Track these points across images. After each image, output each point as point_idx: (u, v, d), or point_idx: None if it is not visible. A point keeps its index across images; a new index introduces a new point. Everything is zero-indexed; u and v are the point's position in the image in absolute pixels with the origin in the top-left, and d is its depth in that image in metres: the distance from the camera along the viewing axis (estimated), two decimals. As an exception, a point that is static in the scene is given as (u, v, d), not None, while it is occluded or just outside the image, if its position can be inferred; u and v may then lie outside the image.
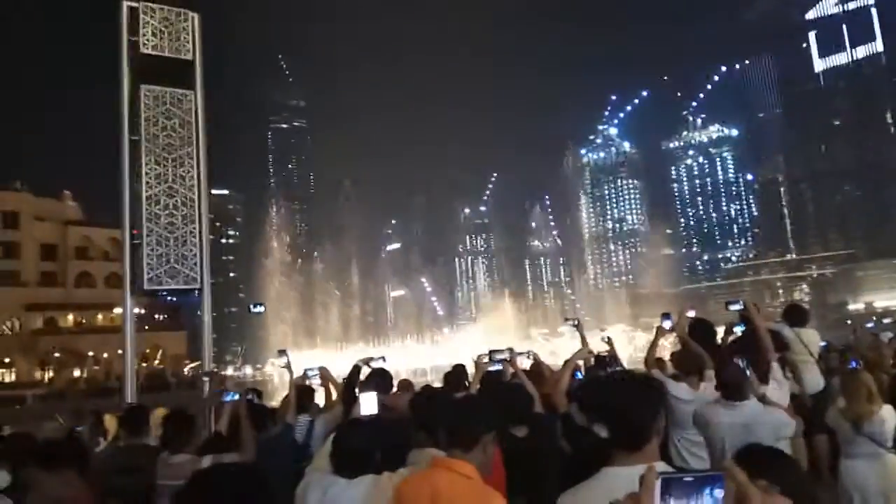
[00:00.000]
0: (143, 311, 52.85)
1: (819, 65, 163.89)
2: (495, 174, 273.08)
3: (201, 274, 14.96)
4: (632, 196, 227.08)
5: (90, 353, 55.59)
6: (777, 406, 4.53)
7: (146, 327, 55.51)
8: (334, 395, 6.33)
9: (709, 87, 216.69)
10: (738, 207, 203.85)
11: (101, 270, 59.85)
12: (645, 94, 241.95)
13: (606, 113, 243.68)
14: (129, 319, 15.14)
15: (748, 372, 4.54)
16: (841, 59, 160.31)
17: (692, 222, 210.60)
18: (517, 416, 4.33)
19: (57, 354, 54.99)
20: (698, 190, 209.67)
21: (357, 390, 6.22)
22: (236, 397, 5.58)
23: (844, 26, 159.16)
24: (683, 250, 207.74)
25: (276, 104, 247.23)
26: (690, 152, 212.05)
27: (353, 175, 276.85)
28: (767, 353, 5.24)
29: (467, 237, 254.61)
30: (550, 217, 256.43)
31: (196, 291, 15.38)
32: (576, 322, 8.39)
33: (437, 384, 7.31)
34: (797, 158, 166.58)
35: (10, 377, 54.17)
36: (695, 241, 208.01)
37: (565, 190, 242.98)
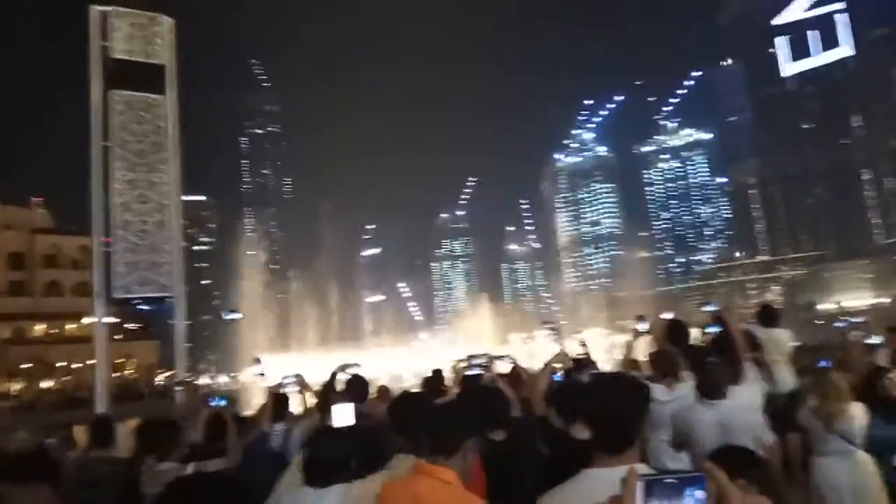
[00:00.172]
0: (113, 320, 51.90)
1: (787, 70, 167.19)
2: (473, 179, 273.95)
3: (174, 282, 14.76)
4: (607, 200, 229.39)
5: (60, 364, 54.45)
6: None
7: (117, 336, 54.56)
8: (310, 403, 6.28)
9: (682, 91, 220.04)
10: (711, 210, 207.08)
11: (71, 279, 58.74)
12: (619, 99, 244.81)
13: (581, 118, 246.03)
14: (99, 329, 14.88)
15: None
16: (808, 63, 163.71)
17: (666, 225, 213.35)
18: (495, 420, 4.34)
19: (26, 366, 53.77)
20: (672, 193, 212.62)
21: (331, 398, 6.19)
22: (223, 402, 5.53)
23: (812, 32, 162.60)
24: (658, 253, 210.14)
25: (250, 109, 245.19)
26: (664, 156, 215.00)
27: (329, 179, 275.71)
28: (740, 353, 5.32)
29: (445, 242, 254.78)
30: (528, 221, 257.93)
31: (168, 299, 15.19)
32: (554, 326, 8.43)
33: (416, 389, 7.30)
34: (768, 161, 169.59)
35: (-21, 389, 52.81)
36: (669, 243, 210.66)
37: (542, 194, 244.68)
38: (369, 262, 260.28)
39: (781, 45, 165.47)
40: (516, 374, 6.85)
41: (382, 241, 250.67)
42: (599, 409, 2.17)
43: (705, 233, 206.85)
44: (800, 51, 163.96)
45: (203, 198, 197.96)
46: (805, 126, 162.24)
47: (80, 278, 55.33)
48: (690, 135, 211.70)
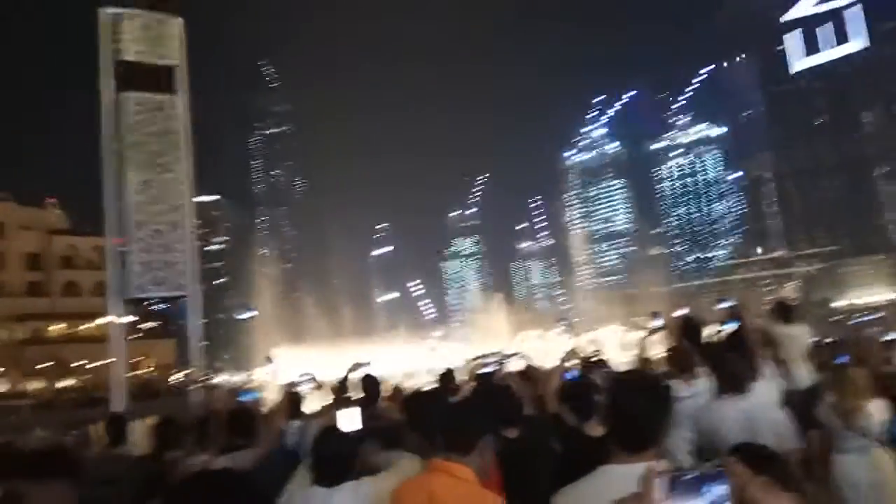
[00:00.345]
0: (131, 319, 52.43)
1: (797, 65, 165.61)
2: (483, 176, 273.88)
3: (189, 281, 14.86)
4: (620, 196, 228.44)
5: (78, 363, 55.08)
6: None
7: (134, 335, 55.09)
8: (324, 402, 6.30)
9: (694, 86, 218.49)
10: (725, 206, 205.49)
11: (87, 279, 59.37)
12: (630, 95, 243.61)
13: (592, 114, 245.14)
14: (116, 329, 15.00)
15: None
16: (817, 59, 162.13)
17: (680, 221, 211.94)
18: (508, 417, 4.33)
19: (45, 365, 54.44)
20: (685, 189, 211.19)
21: (343, 398, 6.21)
22: (255, 396, 5.66)
23: (822, 27, 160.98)
24: (672, 249, 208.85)
25: (260, 109, 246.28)
26: (677, 152, 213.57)
27: (340, 179, 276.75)
28: (757, 349, 5.27)
29: (456, 240, 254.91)
30: (540, 219, 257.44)
31: (183, 299, 15.30)
32: (567, 323, 8.40)
33: (428, 388, 7.31)
34: (782, 156, 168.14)
35: (1, 388, 53.55)
36: (683, 240, 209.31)
37: (554, 191, 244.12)
38: (380, 260, 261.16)
39: (791, 40, 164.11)
40: (530, 372, 6.84)
41: (394, 241, 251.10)
42: (620, 408, 2.14)
43: (719, 229, 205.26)
44: (811, 46, 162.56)
45: (215, 197, 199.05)
46: (818, 121, 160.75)
47: (96, 278, 55.89)
48: (703, 130, 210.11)
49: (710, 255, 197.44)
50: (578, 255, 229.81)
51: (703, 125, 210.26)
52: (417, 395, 5.63)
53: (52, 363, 54.76)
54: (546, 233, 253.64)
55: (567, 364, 6.16)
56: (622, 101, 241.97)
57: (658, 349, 8.87)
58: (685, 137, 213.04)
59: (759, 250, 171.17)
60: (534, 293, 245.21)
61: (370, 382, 5.76)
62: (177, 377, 57.85)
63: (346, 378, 6.38)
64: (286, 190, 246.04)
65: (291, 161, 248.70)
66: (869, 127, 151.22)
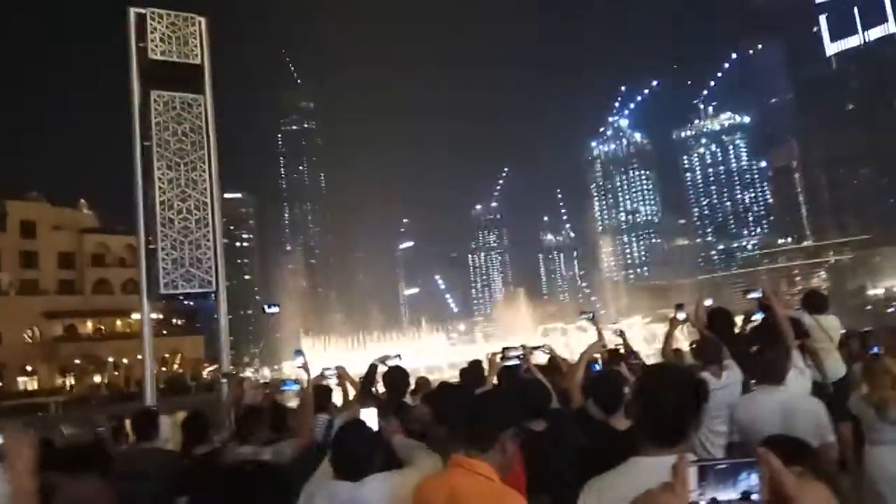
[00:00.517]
0: (160, 316, 53.35)
1: (831, 48, 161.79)
2: (506, 169, 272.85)
3: (216, 277, 15.04)
4: (644, 187, 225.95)
5: (110, 360, 56.20)
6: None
7: (164, 332, 56.04)
8: (351, 395, 6.33)
9: (719, 74, 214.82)
10: (753, 195, 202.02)
11: (118, 277, 60.47)
12: (655, 83, 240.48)
13: (616, 104, 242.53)
14: (146, 325, 15.27)
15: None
16: (853, 41, 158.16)
17: (706, 211, 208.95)
18: (535, 411, 4.31)
19: (77, 361, 55.63)
20: (711, 179, 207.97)
21: (372, 389, 6.23)
22: (296, 387, 5.74)
23: (856, 8, 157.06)
24: (698, 240, 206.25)
25: (285, 106, 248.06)
26: (702, 141, 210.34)
27: (364, 174, 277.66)
28: (787, 340, 5.18)
29: (480, 233, 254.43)
30: (563, 211, 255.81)
31: (211, 294, 15.48)
32: (591, 315, 8.36)
33: (454, 381, 7.31)
34: (811, 144, 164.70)
35: (32, 385, 54.88)
36: (709, 230, 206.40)
37: (577, 183, 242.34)
38: (404, 255, 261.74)
39: (825, 23, 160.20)
40: (555, 365, 6.80)
41: (417, 235, 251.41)
42: (652, 403, 2.10)
43: (748, 218, 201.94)
44: (840, 29, 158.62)
45: (240, 195, 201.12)
46: (849, 107, 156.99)
47: (126, 275, 56.96)
48: (730, 118, 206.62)
49: (737, 244, 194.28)
50: (603, 246, 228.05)
51: (730, 113, 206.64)
52: (443, 387, 5.63)
53: (84, 359, 55.99)
54: (569, 225, 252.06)
55: (593, 356, 6.12)
56: (647, 91, 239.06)
57: (682, 341, 8.77)
58: (712, 125, 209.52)
59: (788, 239, 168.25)
60: (558, 286, 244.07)
61: (398, 375, 5.75)
62: (206, 372, 58.84)
63: (373, 370, 6.40)
64: (311, 186, 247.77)
65: (316, 157, 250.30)
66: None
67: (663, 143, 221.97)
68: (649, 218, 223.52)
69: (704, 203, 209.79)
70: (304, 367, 6.71)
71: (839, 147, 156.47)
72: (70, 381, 55.87)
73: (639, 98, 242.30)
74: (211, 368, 58.41)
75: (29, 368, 55.56)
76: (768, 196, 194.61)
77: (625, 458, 2.19)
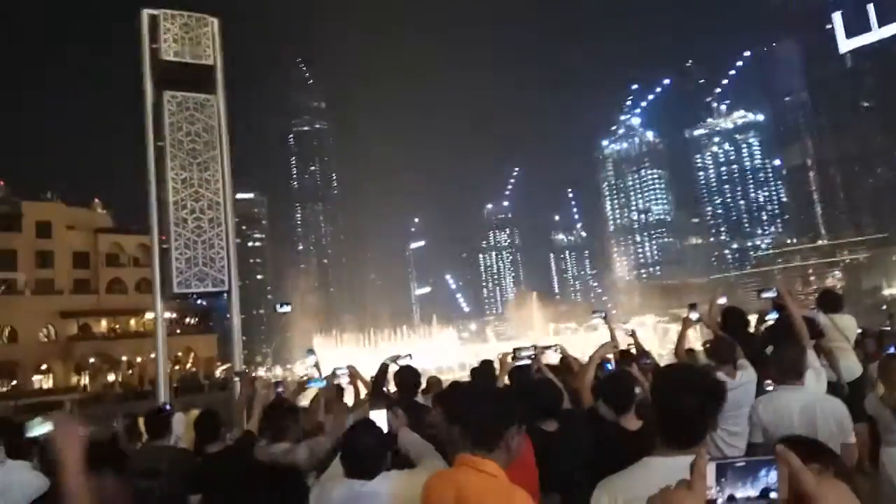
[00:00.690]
0: (173, 316, 53.74)
1: (845, 45, 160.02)
2: (517, 168, 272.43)
3: (229, 276, 15.11)
4: (657, 186, 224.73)
5: (124, 358, 56.68)
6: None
7: (177, 331, 56.44)
8: (363, 394, 6.34)
9: (732, 72, 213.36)
10: (766, 194, 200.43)
11: (132, 276, 60.95)
12: (667, 82, 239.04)
13: (629, 103, 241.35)
14: (160, 323, 15.37)
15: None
16: (867, 38, 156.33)
17: (719, 210, 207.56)
18: (546, 411, 4.30)
19: (92, 360, 56.14)
20: (725, 177, 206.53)
21: (384, 389, 6.24)
22: (323, 384, 5.79)
23: (871, 5, 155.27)
24: (711, 239, 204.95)
25: (297, 106, 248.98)
26: (716, 139, 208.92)
27: (375, 174, 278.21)
28: (802, 340, 5.13)
29: (491, 232, 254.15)
30: (575, 210, 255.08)
31: (224, 294, 15.56)
32: (603, 314, 8.32)
33: (466, 380, 7.30)
34: (825, 142, 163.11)
35: (47, 383, 55.46)
36: (723, 229, 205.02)
37: (589, 182, 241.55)
38: (416, 254, 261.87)
39: (839, 19, 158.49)
40: (567, 364, 6.78)
41: (428, 235, 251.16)
42: (668, 404, 2.08)
43: (761, 217, 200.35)
44: (855, 26, 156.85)
45: (252, 195, 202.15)
46: (864, 104, 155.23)
47: (140, 275, 57.43)
48: (744, 116, 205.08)
49: (751, 244, 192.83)
50: (615, 245, 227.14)
51: (743, 111, 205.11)
52: (454, 387, 5.63)
53: (98, 358, 56.50)
54: (581, 224, 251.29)
55: (604, 355, 6.09)
56: (660, 89, 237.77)
57: (695, 341, 8.71)
58: (725, 124, 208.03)
59: (794, 240, 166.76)
60: (569, 285, 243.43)
61: (408, 374, 5.75)
62: (219, 371, 59.23)
63: (383, 370, 6.40)
64: (323, 186, 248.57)
65: (327, 157, 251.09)
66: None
67: (676, 142, 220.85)
68: (662, 217, 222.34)
69: (718, 202, 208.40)
70: (316, 366, 6.74)
71: (854, 145, 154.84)
72: (85, 379, 56.38)
73: (651, 96, 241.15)
74: (224, 367, 58.80)
75: (44, 367, 56.16)
76: (782, 195, 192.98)
77: (635, 459, 2.18)
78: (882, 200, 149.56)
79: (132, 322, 59.69)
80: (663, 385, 2.26)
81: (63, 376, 55.94)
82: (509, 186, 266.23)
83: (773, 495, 0.97)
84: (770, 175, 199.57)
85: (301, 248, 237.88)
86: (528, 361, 6.08)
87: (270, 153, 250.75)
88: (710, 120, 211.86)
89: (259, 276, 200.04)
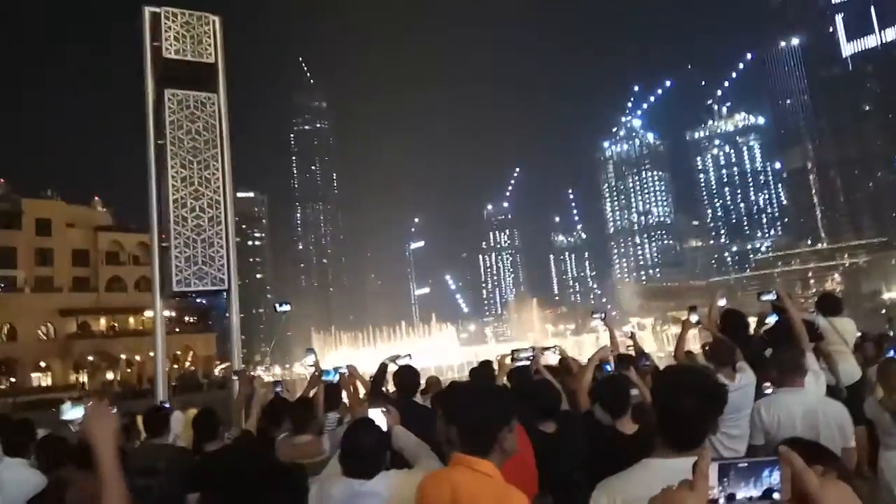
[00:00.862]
0: (173, 314, 53.71)
1: (847, 49, 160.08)
2: (518, 169, 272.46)
3: (228, 275, 15.09)
4: (657, 188, 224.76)
5: (123, 357, 56.64)
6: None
7: (176, 329, 56.41)
8: (362, 394, 6.34)
9: (734, 74, 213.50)
10: (767, 197, 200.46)
11: (132, 274, 60.92)
12: (668, 84, 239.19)
13: (629, 104, 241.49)
14: (159, 322, 15.34)
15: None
16: (869, 41, 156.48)
17: (720, 213, 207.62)
18: (545, 412, 4.30)
19: (91, 358, 56.10)
20: (725, 180, 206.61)
21: (383, 388, 6.24)
22: (336, 377, 5.83)
23: (872, 7, 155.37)
24: (711, 242, 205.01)
25: (298, 106, 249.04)
26: (716, 142, 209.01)
27: (375, 174, 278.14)
28: (802, 343, 5.12)
29: (491, 233, 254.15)
30: (575, 211, 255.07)
31: (223, 293, 15.53)
32: (602, 315, 8.31)
33: (465, 380, 7.29)
34: (826, 145, 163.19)
35: (46, 381, 55.42)
36: (723, 232, 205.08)
37: (589, 184, 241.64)
38: (415, 254, 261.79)
39: (841, 22, 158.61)
40: (566, 366, 6.78)
41: (428, 235, 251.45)
42: (670, 406, 2.08)
43: (761, 220, 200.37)
44: (857, 29, 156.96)
45: (252, 194, 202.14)
46: (866, 108, 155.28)
47: (140, 273, 57.44)
48: (744, 119, 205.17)
49: (750, 246, 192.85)
50: (615, 248, 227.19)
51: (744, 114, 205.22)
52: (449, 388, 5.62)
53: (97, 356, 56.46)
54: (581, 226, 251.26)
55: (603, 358, 6.10)
56: (661, 91, 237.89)
57: (693, 344, 8.70)
58: (726, 126, 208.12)
59: (801, 242, 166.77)
60: (569, 287, 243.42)
61: (408, 374, 5.75)
62: (218, 370, 59.21)
63: (383, 370, 6.40)
64: (323, 185, 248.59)
65: (328, 157, 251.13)
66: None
67: (676, 144, 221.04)
68: (662, 219, 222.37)
69: (718, 204, 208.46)
70: (316, 365, 6.73)
71: (855, 148, 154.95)
72: (83, 377, 56.33)
73: (652, 98, 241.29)
74: (223, 366, 58.78)
75: (43, 365, 56.13)
76: (782, 198, 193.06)
77: (631, 463, 2.18)
78: (882, 204, 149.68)
79: (131, 320, 59.65)
80: (663, 386, 2.25)
81: (62, 374, 55.91)
82: (510, 187, 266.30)
83: (776, 496, 0.97)
84: (770, 178, 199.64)
85: (301, 247, 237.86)
86: (526, 363, 6.08)
87: (271, 152, 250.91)
88: (710, 122, 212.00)
89: (259, 276, 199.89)
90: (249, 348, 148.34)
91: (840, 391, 6.24)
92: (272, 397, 6.18)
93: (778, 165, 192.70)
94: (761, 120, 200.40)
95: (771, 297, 6.18)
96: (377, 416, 3.73)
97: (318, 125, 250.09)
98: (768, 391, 4.64)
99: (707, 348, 6.06)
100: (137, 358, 55.18)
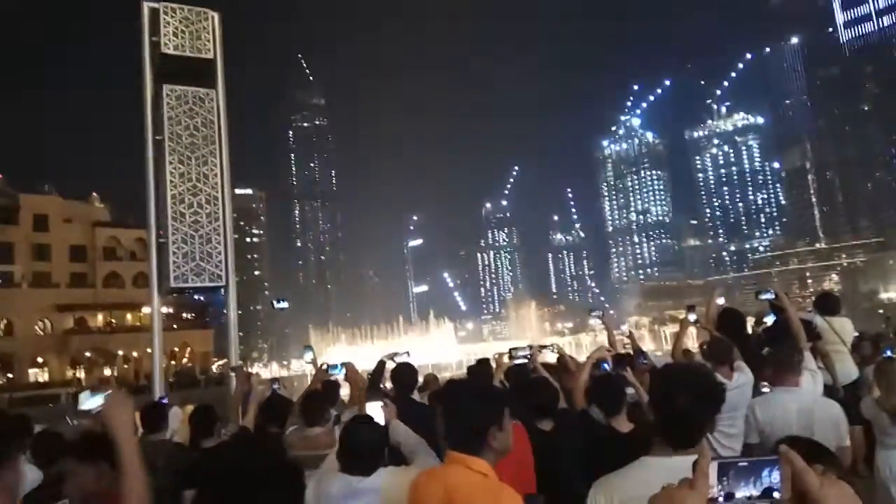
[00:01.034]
0: (170, 310, 53.68)
1: (845, 35, 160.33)
2: (516, 168, 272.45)
3: (226, 271, 15.05)
4: (656, 187, 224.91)
5: (120, 353, 56.59)
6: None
7: (174, 326, 56.38)
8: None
9: (733, 74, 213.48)
10: (765, 196, 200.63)
11: (129, 270, 60.85)
12: (668, 83, 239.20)
13: (629, 103, 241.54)
14: (156, 318, 15.31)
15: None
16: (866, 27, 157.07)
17: (718, 212, 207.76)
18: (542, 410, 4.30)
19: (88, 354, 56.04)
20: (724, 179, 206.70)
21: (380, 386, 6.24)
22: (342, 372, 5.86)
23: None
24: (710, 241, 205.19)
25: (297, 103, 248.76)
26: (715, 141, 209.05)
27: (374, 171, 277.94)
28: (799, 342, 5.13)
29: (489, 232, 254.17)
30: (573, 210, 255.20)
31: (221, 289, 15.49)
32: (600, 314, 8.31)
33: (463, 378, 7.29)
34: (825, 145, 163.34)
35: (43, 376, 55.37)
36: (721, 231, 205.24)
37: (588, 182, 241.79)
38: (413, 252, 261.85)
39: (838, 8, 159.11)
40: (563, 364, 6.78)
41: (426, 233, 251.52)
42: (669, 404, 2.07)
43: (760, 220, 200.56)
44: (854, 16, 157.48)
45: (250, 191, 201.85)
46: (864, 108, 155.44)
47: (138, 269, 57.35)
48: (743, 118, 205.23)
49: (749, 246, 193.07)
50: (613, 246, 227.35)
51: (743, 113, 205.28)
52: (452, 384, 5.61)
53: (94, 352, 56.40)
54: (580, 224, 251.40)
55: (600, 358, 6.10)
56: (660, 90, 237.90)
57: (692, 342, 8.70)
58: (725, 126, 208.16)
59: (799, 242, 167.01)
60: (567, 285, 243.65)
61: (406, 371, 5.74)
62: (215, 366, 59.19)
63: (381, 367, 6.40)
64: (321, 182, 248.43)
65: (326, 154, 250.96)
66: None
67: (675, 143, 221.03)
68: (660, 218, 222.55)
69: (716, 204, 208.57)
70: (313, 362, 6.73)
71: (853, 148, 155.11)
72: (80, 373, 56.30)
73: (651, 97, 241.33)
74: (220, 362, 58.77)
75: (40, 360, 56.07)
76: (781, 197, 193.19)
77: (627, 461, 2.17)
78: (880, 204, 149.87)
79: (128, 316, 59.60)
80: (661, 385, 2.25)
81: (59, 370, 55.85)
82: (508, 185, 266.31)
83: (776, 495, 0.97)
84: (769, 177, 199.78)
85: (299, 244, 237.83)
86: (524, 361, 6.08)
87: (269, 149, 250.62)
88: (709, 122, 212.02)
89: (256, 272, 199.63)
90: (247, 345, 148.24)
91: (837, 391, 6.24)
92: (269, 394, 6.18)
93: (776, 165, 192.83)
94: (760, 119, 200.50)
95: (769, 296, 6.19)
96: (375, 409, 3.73)
97: (317, 122, 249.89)
98: (765, 390, 4.65)
99: (705, 347, 6.06)
100: (135, 354, 55.14)
